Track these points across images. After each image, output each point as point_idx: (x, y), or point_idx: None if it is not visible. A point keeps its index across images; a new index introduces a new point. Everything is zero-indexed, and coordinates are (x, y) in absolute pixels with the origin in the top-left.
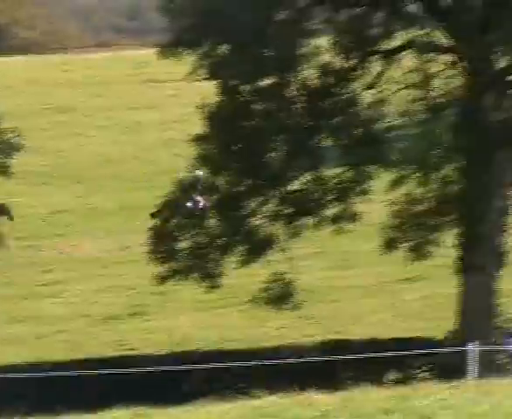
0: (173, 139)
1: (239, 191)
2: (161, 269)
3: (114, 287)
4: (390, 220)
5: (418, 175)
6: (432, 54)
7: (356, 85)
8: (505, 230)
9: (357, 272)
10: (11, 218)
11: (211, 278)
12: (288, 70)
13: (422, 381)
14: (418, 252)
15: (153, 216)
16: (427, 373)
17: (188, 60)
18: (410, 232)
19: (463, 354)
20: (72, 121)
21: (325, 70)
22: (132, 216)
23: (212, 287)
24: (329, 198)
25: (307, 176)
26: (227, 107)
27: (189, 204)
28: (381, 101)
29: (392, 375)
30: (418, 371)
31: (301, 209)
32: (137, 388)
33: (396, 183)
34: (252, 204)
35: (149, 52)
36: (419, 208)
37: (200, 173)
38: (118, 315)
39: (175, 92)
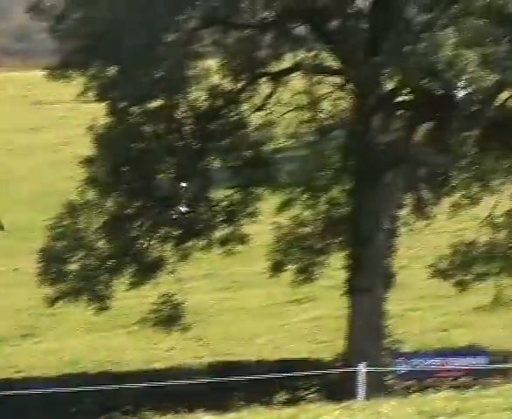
0: (62, 160)
1: (129, 213)
2: (50, 291)
3: (3, 309)
4: (277, 242)
5: (305, 196)
6: (319, 76)
7: (245, 107)
8: (393, 252)
9: (246, 294)
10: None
11: (100, 299)
12: (177, 92)
13: (311, 403)
14: (307, 274)
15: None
16: (316, 394)
17: (77, 82)
18: (297, 254)
19: (352, 376)
20: None
21: (214, 92)
22: (22, 238)
23: (102, 309)
24: (218, 220)
25: (197, 198)
26: (116, 129)
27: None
28: (269, 123)
29: (281, 397)
30: (308, 392)
31: (191, 230)
32: (23, 410)
33: (284, 205)
34: (142, 226)
35: (38, 74)
36: (307, 230)
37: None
38: (6, 337)
39: (64, 114)
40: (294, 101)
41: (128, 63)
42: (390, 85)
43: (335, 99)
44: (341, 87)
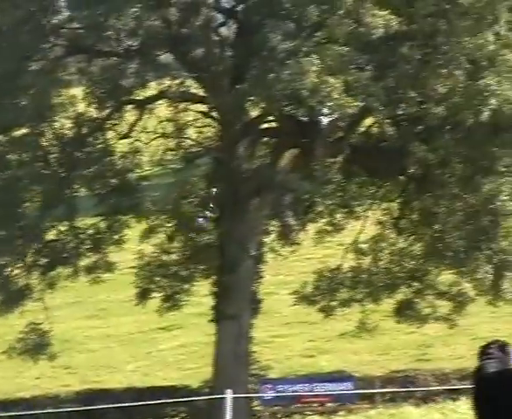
0: None
1: None
2: None
3: None
4: (143, 270)
5: (171, 224)
6: (185, 104)
7: (111, 135)
8: (260, 278)
9: (114, 321)
10: None
11: None
12: (43, 120)
13: None
14: (173, 301)
15: None
16: None
17: None
18: (163, 282)
19: (219, 402)
20: None
21: (80, 120)
22: None
23: None
24: (85, 248)
25: (63, 226)
26: None
27: (200, 220)
28: (135, 151)
29: None
30: None
31: (57, 259)
32: None
33: (150, 232)
34: (9, 254)
35: None
36: (173, 257)
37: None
38: None
39: None
40: (159, 129)
41: None
42: (255, 113)
43: (200, 126)
44: (206, 115)
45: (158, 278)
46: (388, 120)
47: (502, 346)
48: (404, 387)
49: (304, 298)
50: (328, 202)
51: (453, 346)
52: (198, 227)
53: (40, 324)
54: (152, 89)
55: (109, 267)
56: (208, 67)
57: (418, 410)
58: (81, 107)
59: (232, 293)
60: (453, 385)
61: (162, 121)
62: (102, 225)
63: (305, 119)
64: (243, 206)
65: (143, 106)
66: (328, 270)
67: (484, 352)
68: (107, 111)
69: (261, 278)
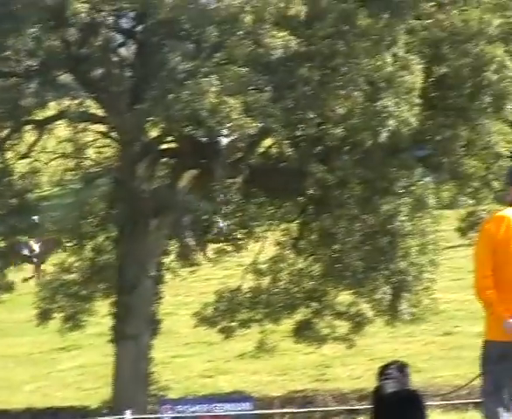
0: None
1: None
2: None
3: None
4: (43, 290)
5: (71, 244)
6: (84, 124)
7: (10, 155)
8: (159, 299)
9: (13, 341)
10: None
11: None
12: None
13: None
14: (74, 321)
15: None
16: None
17: None
18: (63, 301)
19: None
20: None
21: None
22: None
23: None
24: None
25: None
26: None
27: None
28: (34, 171)
29: None
30: None
31: None
32: None
33: (48, 253)
34: None
35: None
36: (73, 277)
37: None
38: None
39: None
40: (59, 149)
41: None
42: (154, 133)
43: (99, 146)
44: (105, 135)
45: (59, 297)
46: (287, 141)
47: (401, 367)
48: (303, 407)
49: (204, 319)
50: (227, 223)
51: (351, 366)
52: (219, 231)
53: None
54: (51, 109)
55: (9, 287)
56: (107, 87)
57: None
58: None
59: (132, 314)
60: (352, 405)
61: (61, 141)
62: (1, 245)
63: (204, 139)
64: (142, 226)
65: (43, 126)
66: (228, 290)
67: (383, 372)
68: (6, 131)
69: (161, 298)
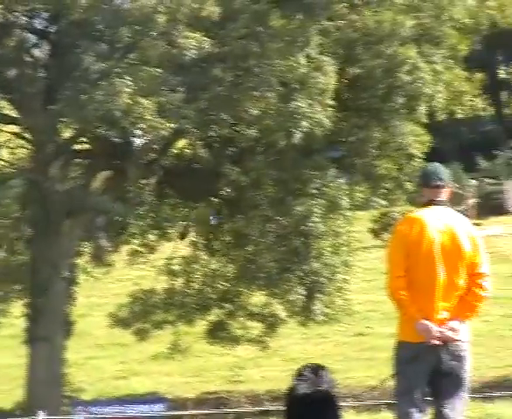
0: None
1: None
2: None
3: None
4: None
5: None
6: None
7: None
8: (72, 300)
9: None
10: None
11: None
12: None
13: None
14: None
15: None
16: None
17: None
18: None
19: None
20: None
21: None
22: None
23: None
24: None
25: None
26: None
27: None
28: None
29: None
30: None
31: None
32: None
33: None
34: None
35: None
36: None
37: None
38: None
39: None
40: None
41: None
42: (68, 134)
43: (13, 147)
44: (19, 136)
45: None
46: (200, 142)
47: (316, 369)
48: (216, 408)
49: (118, 321)
50: (141, 224)
51: (264, 367)
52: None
53: None
54: None
55: None
56: (20, 88)
57: None
58: None
59: (45, 315)
60: (265, 406)
61: None
62: None
63: (118, 140)
64: (55, 227)
65: None
66: (142, 292)
67: (298, 374)
68: None
69: (74, 299)
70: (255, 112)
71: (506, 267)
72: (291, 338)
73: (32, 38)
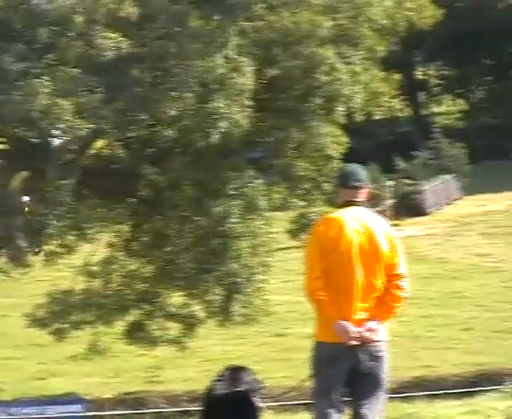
0: None
1: None
2: None
3: None
4: None
5: None
6: None
7: None
8: None
9: None
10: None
11: None
12: None
13: None
14: None
15: None
16: None
17: None
18: None
19: None
20: None
21: None
22: None
23: None
24: None
25: None
26: None
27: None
28: None
29: None
30: None
31: None
32: None
33: None
34: None
35: None
36: None
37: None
38: None
39: None
40: None
41: None
42: None
43: None
44: None
45: None
46: (119, 143)
47: (236, 370)
48: (135, 409)
49: (36, 321)
50: (59, 224)
51: (183, 368)
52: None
53: None
54: None
55: None
56: None
57: None
58: None
59: None
60: (184, 407)
61: None
62: None
63: (36, 141)
64: None
65: None
66: (60, 292)
67: (218, 375)
68: None
69: None
70: (173, 112)
71: (423, 268)
72: (210, 338)
73: None
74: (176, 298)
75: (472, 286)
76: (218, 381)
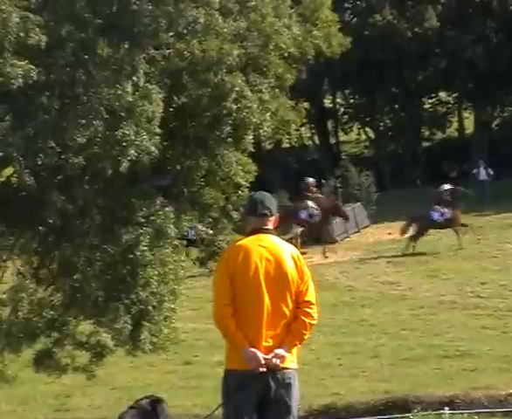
0: None
1: None
2: None
3: None
4: None
5: None
6: None
7: None
8: None
9: None
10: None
11: None
12: None
13: None
14: None
15: None
16: None
17: None
18: None
19: None
20: None
21: None
22: None
23: None
24: None
25: None
26: None
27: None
28: None
29: None
30: None
31: None
32: None
33: None
34: None
35: None
36: None
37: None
38: None
39: None
40: None
41: None
42: None
43: None
44: None
45: None
46: (27, 170)
47: (153, 402)
48: None
49: None
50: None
51: (92, 395)
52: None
53: None
54: None
55: None
56: None
57: None
58: None
59: None
60: None
61: None
62: None
63: None
64: None
65: None
66: None
67: (133, 404)
68: None
69: None
70: (82, 140)
71: (331, 295)
72: (118, 366)
73: None
74: (85, 327)
75: (380, 314)
76: (132, 408)
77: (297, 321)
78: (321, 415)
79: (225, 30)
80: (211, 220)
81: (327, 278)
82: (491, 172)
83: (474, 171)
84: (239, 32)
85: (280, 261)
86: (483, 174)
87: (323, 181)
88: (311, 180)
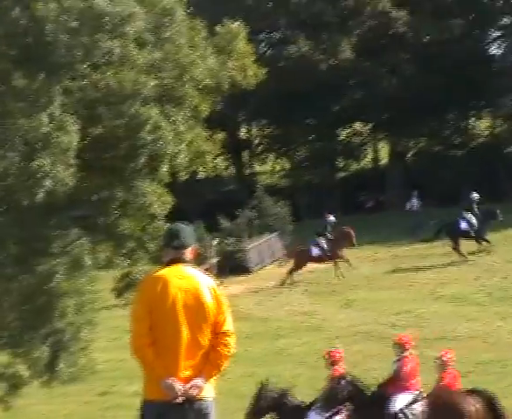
0: None
1: None
2: None
3: None
4: None
5: None
6: None
7: None
8: None
9: None
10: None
11: None
12: None
13: None
14: None
15: None
16: None
17: None
18: None
19: None
20: None
21: None
22: None
23: None
24: None
25: None
26: None
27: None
28: None
29: None
30: None
31: None
32: None
33: None
34: None
35: None
36: None
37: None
38: None
39: None
40: None
41: None
42: None
43: None
44: None
45: None
46: None
47: None
48: None
49: None
50: None
51: None
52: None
53: None
54: None
55: None
56: None
57: None
58: None
59: None
60: None
61: None
62: None
63: None
64: None
65: None
66: None
67: None
68: None
69: None
70: None
71: (246, 325)
72: (34, 397)
73: None
74: (2, 358)
75: (296, 344)
76: None
77: (215, 351)
78: None
79: (141, 60)
80: (127, 251)
81: (242, 309)
82: (420, 203)
83: (408, 204)
84: (155, 63)
85: (198, 292)
86: (416, 204)
87: (238, 211)
88: None
